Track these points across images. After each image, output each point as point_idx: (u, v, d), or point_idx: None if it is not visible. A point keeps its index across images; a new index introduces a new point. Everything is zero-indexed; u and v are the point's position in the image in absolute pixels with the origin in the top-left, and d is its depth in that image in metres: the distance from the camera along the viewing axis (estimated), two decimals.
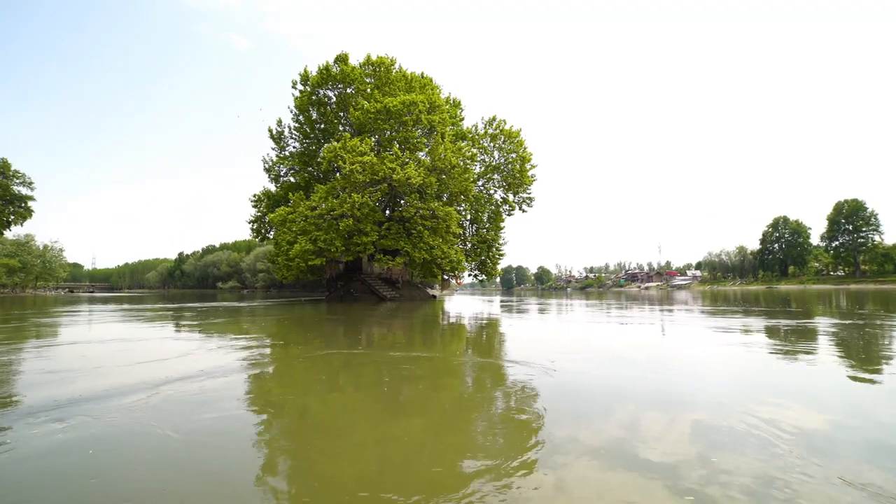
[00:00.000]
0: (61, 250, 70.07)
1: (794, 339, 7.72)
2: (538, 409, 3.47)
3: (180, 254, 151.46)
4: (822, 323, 10.91)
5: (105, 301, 28.85)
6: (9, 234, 66.82)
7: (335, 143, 23.88)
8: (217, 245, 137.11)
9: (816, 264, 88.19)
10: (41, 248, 65.96)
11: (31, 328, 10.71)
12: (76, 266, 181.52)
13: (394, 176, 23.07)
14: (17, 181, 68.90)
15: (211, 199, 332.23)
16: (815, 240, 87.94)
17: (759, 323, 11.12)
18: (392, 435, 2.90)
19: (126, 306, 21.16)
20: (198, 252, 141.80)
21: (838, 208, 79.48)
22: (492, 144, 32.21)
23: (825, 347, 6.93)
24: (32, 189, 70.70)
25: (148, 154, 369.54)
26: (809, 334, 8.62)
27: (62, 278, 72.85)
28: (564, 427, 3.01)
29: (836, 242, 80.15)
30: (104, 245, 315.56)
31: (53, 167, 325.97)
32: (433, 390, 4.31)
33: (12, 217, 69.97)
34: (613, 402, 3.67)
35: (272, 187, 32.76)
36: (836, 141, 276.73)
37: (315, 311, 16.90)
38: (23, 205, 70.69)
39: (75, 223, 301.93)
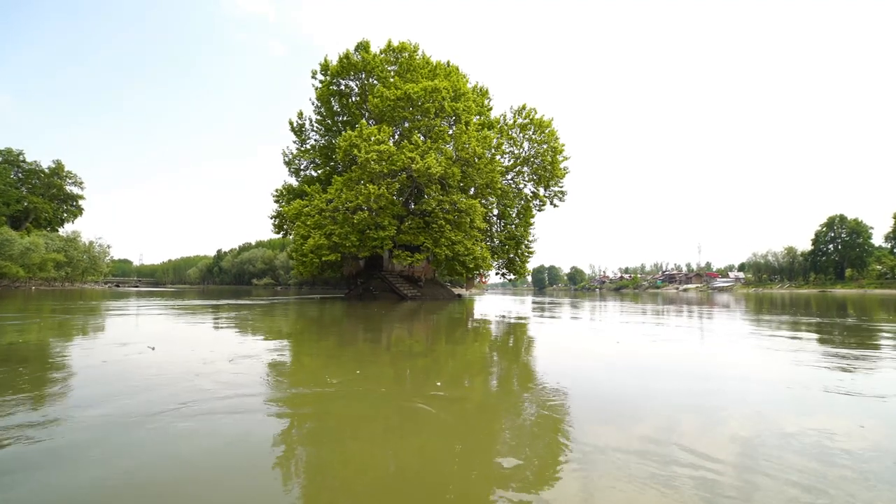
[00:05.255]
0: (108, 246, 72.67)
1: None
2: None
3: (218, 251, 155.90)
4: None
5: (150, 295, 29.16)
6: (61, 232, 70.19)
7: (351, 132, 22.66)
8: (253, 243, 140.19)
9: (879, 267, 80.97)
10: (87, 244, 68.61)
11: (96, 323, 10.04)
12: (125, 262, 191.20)
13: (413, 166, 21.60)
14: (70, 181, 72.61)
15: (247, 197, 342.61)
16: (877, 240, 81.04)
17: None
18: None
19: (169, 303, 20.87)
20: (234, 249, 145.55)
21: None
22: (521, 135, 30.31)
23: None
24: (83, 188, 74.44)
25: (191, 155, 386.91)
26: None
27: (107, 273, 75.71)
28: None
29: None
30: (150, 243, 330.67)
31: (109, 169, 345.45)
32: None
33: (65, 215, 73.88)
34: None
35: (293, 181, 32.11)
36: None
37: (317, 313, 15.83)
38: (74, 203, 74.54)
39: (125, 222, 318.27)
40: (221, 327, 9.98)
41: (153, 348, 6.30)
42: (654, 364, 5.76)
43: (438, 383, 4.42)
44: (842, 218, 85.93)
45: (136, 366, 5.06)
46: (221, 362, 5.29)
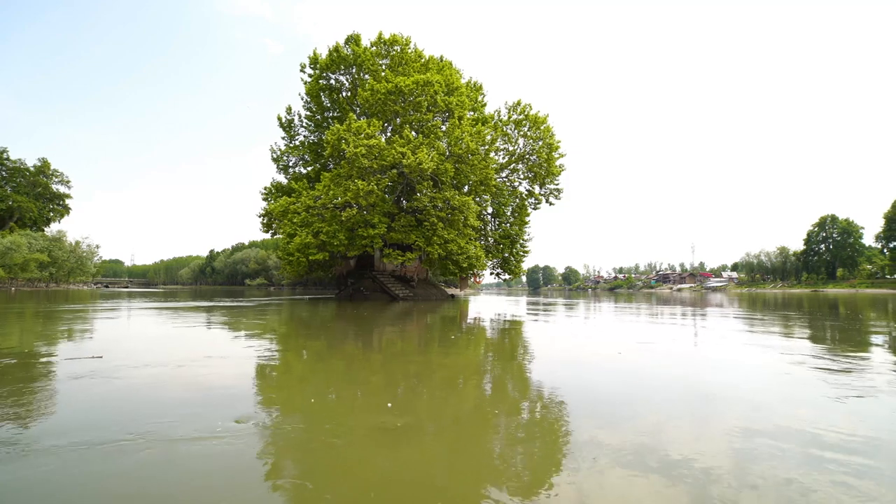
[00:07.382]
0: (97, 247, 70.76)
1: None
2: None
3: (211, 251, 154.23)
4: None
5: (136, 296, 28.01)
6: (47, 231, 68.51)
7: (339, 126, 21.87)
8: (246, 243, 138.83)
9: (870, 266, 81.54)
10: (73, 243, 66.93)
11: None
12: (116, 262, 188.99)
13: (404, 161, 20.83)
14: (56, 180, 70.99)
15: (240, 197, 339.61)
16: (867, 240, 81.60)
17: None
18: None
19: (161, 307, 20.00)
20: (227, 250, 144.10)
21: None
22: (516, 131, 29.61)
23: None
24: (70, 187, 72.89)
25: (184, 155, 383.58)
26: None
27: (95, 274, 73.98)
28: None
29: (895, 243, 73.67)
30: (142, 243, 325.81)
31: (101, 168, 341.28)
32: None
33: (51, 214, 72.21)
34: None
35: (282, 178, 31.21)
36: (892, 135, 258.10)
37: (302, 315, 15.14)
38: (61, 202, 72.92)
39: (117, 222, 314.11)
40: (203, 329, 9.28)
41: (100, 357, 5.62)
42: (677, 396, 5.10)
43: (389, 405, 3.65)
44: (833, 218, 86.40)
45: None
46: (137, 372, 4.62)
